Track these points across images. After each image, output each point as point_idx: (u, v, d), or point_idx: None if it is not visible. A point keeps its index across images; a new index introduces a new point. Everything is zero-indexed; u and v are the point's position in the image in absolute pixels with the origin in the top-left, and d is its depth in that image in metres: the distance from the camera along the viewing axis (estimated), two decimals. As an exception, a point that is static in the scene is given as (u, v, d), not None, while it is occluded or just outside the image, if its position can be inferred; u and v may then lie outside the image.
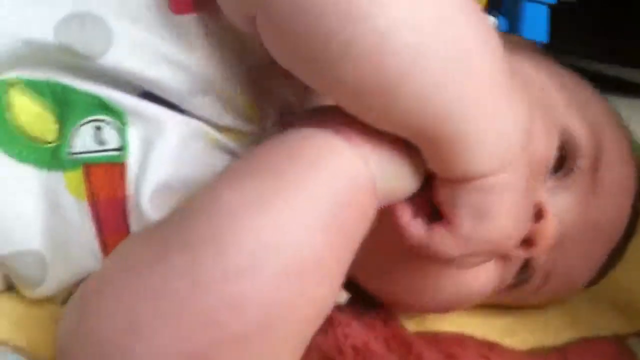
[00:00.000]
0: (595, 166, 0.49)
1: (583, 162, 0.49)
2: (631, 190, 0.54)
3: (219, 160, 0.42)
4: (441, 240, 0.40)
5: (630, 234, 0.55)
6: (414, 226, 0.41)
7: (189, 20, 0.40)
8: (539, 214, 0.46)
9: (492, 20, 0.87)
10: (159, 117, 0.40)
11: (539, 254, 0.47)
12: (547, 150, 0.48)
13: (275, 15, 0.35)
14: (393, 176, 0.39)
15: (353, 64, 0.34)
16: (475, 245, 0.40)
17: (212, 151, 0.42)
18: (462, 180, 0.38)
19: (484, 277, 0.48)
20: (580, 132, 0.49)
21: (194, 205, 0.37)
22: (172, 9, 0.40)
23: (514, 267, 0.50)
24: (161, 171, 0.39)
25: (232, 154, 0.43)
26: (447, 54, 0.34)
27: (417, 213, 0.41)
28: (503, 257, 0.47)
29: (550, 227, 0.46)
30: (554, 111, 0.49)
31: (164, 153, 0.39)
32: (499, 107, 0.37)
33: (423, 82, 0.34)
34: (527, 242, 0.46)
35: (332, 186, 0.36)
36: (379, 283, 0.50)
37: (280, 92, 0.45)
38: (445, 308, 0.51)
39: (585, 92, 0.55)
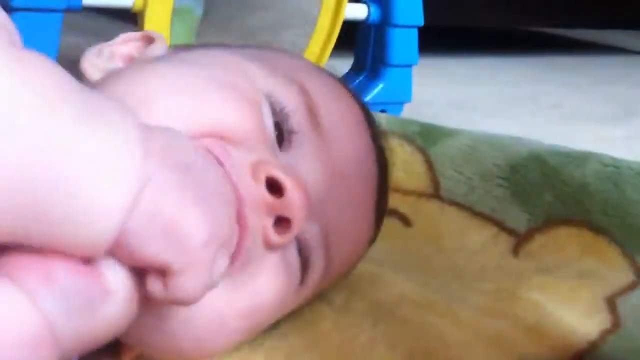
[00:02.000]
0: (314, 120, 0.44)
1: (298, 120, 0.44)
2: (359, 123, 0.49)
3: None
4: (180, 288, 0.32)
5: (384, 165, 0.51)
6: (155, 289, 0.32)
7: None
8: (277, 189, 0.39)
9: (363, 7, 1.07)
10: None
11: (301, 224, 0.40)
12: (252, 123, 0.41)
13: None
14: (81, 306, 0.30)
15: None
16: (202, 262, 0.32)
17: None
18: (116, 245, 0.30)
19: (273, 282, 0.41)
20: (284, 92, 0.44)
21: None
22: None
23: (292, 256, 0.43)
24: None
25: None
26: None
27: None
28: (274, 250, 0.41)
29: (297, 194, 0.39)
30: (253, 82, 0.43)
31: None
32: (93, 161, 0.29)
33: None
34: (282, 222, 0.40)
35: None
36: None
37: None
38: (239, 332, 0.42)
39: (283, 57, 0.50)
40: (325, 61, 1.04)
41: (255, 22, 1.10)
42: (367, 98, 1.08)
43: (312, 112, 0.45)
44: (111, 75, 0.43)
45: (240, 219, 0.37)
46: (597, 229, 0.65)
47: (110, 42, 0.47)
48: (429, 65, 1.17)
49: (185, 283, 0.32)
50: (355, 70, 1.14)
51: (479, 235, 0.66)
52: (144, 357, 0.44)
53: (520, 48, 2.14)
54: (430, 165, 0.72)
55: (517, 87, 1.60)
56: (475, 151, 0.71)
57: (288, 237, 0.40)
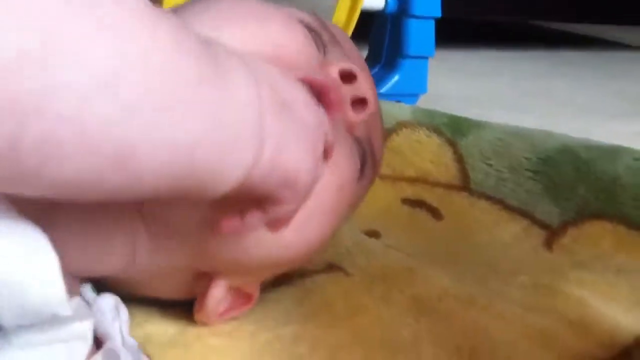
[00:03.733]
0: (333, 37, 0.49)
1: (325, 34, 0.49)
2: (357, 50, 0.54)
3: None
4: (282, 214, 0.38)
5: None
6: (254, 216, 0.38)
7: None
8: (348, 76, 0.45)
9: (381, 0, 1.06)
10: None
11: (373, 101, 0.46)
12: (305, 37, 0.46)
13: None
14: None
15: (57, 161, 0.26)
16: (305, 193, 0.38)
17: None
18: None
19: (344, 169, 0.45)
20: (307, 16, 0.49)
21: None
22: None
23: (354, 146, 0.47)
24: None
25: None
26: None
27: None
28: (349, 130, 0.46)
29: (366, 78, 0.46)
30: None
31: None
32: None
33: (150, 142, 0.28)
34: (357, 104, 0.45)
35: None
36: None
37: None
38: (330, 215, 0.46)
39: None
40: (341, 52, 1.03)
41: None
42: (383, 89, 1.07)
43: (329, 30, 0.49)
44: None
45: (329, 105, 0.42)
46: (630, 224, 0.63)
47: None
48: (442, 58, 1.15)
49: (288, 210, 0.37)
50: (370, 61, 1.13)
51: (511, 228, 0.65)
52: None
53: (530, 43, 2.13)
54: (459, 157, 0.71)
55: (530, 81, 1.59)
56: (505, 144, 0.70)
57: (365, 114, 0.46)
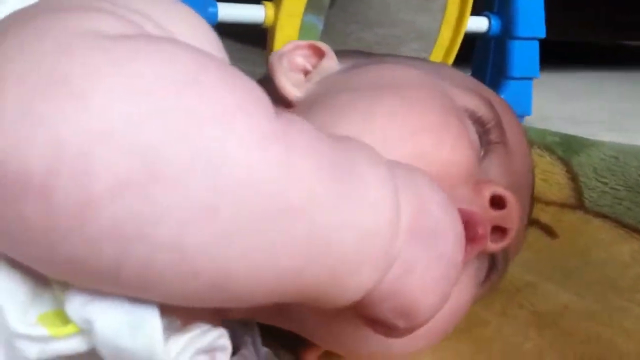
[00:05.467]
0: (503, 134, 0.45)
1: (494, 133, 0.45)
2: (524, 135, 0.50)
3: None
4: (400, 336, 0.34)
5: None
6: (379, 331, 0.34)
7: None
8: (499, 200, 0.41)
9: (484, 20, 1.06)
10: None
11: (514, 233, 0.42)
12: (470, 150, 0.42)
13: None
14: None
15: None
16: (425, 322, 0.33)
17: None
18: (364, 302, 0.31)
19: (465, 290, 0.42)
20: (483, 108, 0.45)
21: None
22: None
23: (484, 263, 0.44)
24: None
25: None
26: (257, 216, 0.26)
27: None
28: (477, 257, 0.42)
29: (516, 207, 0.41)
30: (454, 102, 0.44)
31: None
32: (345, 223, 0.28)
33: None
34: (498, 230, 0.41)
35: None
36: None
37: None
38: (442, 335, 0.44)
39: (451, 70, 0.52)
40: (445, 74, 1.04)
41: (371, 37, 1.11)
42: (486, 111, 1.07)
43: (500, 126, 0.46)
44: (319, 104, 0.43)
45: (471, 238, 0.38)
46: None
47: (283, 50, 0.47)
48: (539, 79, 1.15)
49: (405, 334, 0.33)
50: (473, 83, 1.13)
51: (629, 246, 0.65)
52: (329, 355, 0.45)
53: (623, 63, 2.09)
54: (573, 175, 0.71)
55: (627, 102, 1.56)
56: (619, 162, 0.70)
57: (503, 245, 0.42)
